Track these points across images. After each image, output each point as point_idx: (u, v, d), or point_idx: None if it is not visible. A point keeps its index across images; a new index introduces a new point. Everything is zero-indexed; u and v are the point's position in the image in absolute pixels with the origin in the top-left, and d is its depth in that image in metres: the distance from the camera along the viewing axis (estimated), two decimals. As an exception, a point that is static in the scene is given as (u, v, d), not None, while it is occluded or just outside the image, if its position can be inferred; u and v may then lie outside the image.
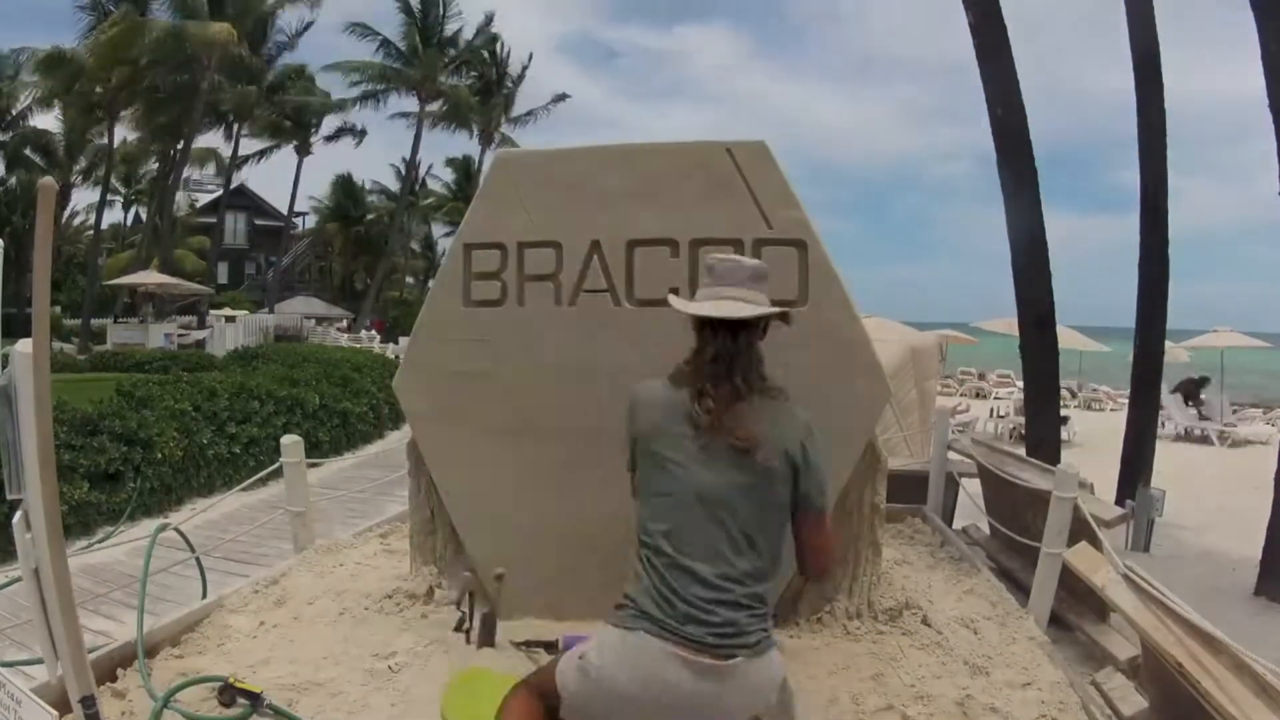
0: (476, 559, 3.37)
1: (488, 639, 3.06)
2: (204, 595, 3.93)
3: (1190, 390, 18.18)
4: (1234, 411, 19.16)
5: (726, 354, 2.03)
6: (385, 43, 31.92)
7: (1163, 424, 14.35)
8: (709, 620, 1.86)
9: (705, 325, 2.10)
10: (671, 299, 2.25)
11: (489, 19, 33.99)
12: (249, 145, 34.30)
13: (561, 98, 36.74)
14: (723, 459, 1.97)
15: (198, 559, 4.37)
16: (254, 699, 2.58)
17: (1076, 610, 4.46)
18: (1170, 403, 16.59)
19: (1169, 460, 10.53)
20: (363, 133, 35.85)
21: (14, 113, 27.88)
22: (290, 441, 4.54)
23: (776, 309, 2.16)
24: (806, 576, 2.43)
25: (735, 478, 1.96)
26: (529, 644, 3.03)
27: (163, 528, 3.73)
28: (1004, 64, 7.46)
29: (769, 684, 1.95)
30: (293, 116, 32.98)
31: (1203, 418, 17.38)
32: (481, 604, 3.19)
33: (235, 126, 31.25)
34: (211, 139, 32.71)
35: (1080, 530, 3.96)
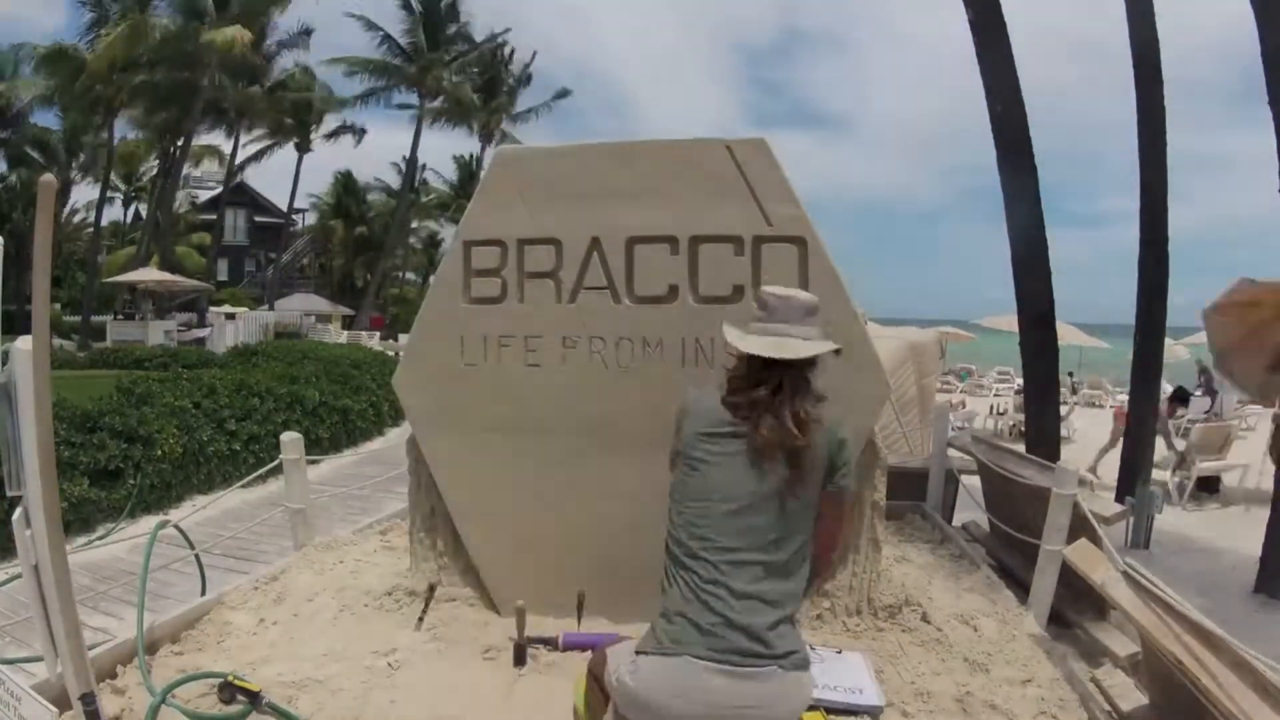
0: (477, 556, 3.38)
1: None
2: (203, 592, 3.93)
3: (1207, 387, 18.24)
4: (1236, 408, 19.12)
5: (786, 388, 2.11)
6: (387, 38, 31.91)
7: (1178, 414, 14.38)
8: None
9: (758, 359, 2.15)
10: (730, 334, 2.26)
11: (498, 33, 34.07)
12: (250, 142, 34.36)
13: (564, 94, 36.77)
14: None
15: (196, 556, 4.37)
16: (253, 697, 2.58)
17: (1076, 607, 4.45)
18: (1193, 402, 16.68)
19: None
20: (362, 131, 35.88)
21: (14, 110, 27.82)
22: (290, 438, 4.54)
23: (831, 346, 2.21)
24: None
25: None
26: (530, 640, 3.04)
27: (163, 525, 3.73)
28: (1003, 61, 7.44)
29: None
30: (293, 114, 32.95)
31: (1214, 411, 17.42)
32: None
33: (235, 124, 31.22)
34: (211, 136, 32.74)
35: (1080, 527, 3.96)
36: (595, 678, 2.15)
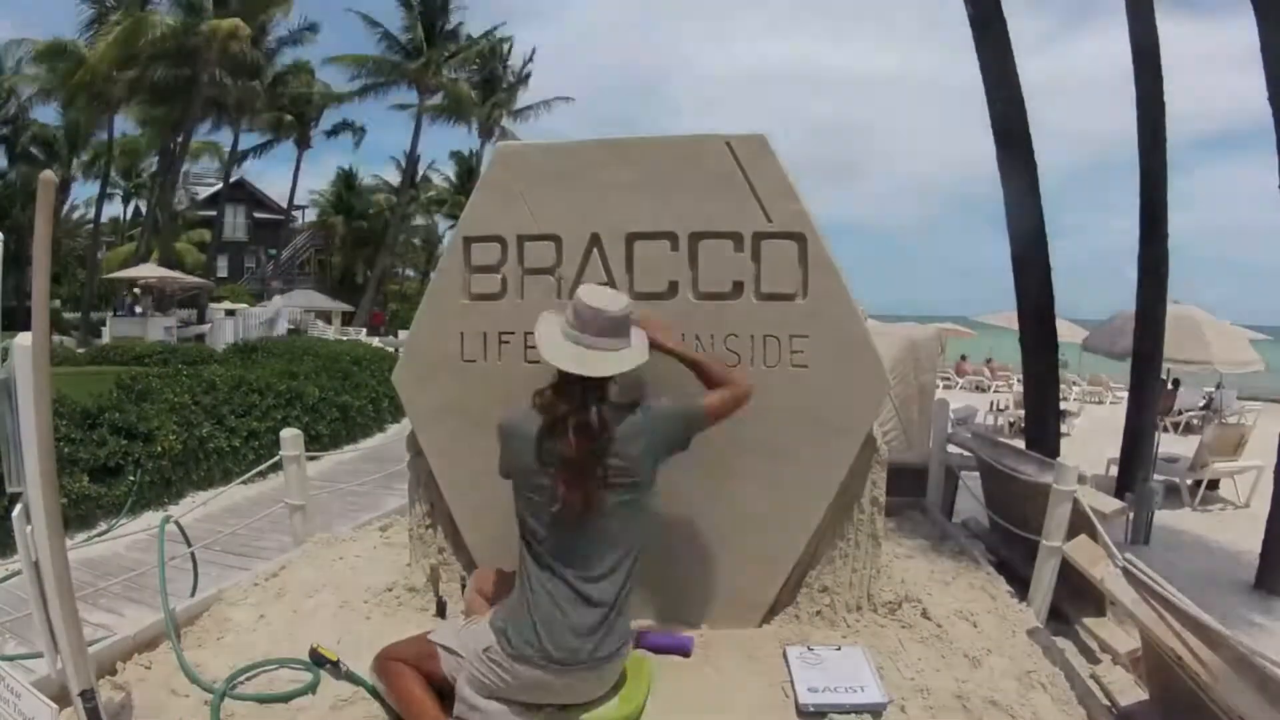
0: (476, 552, 3.38)
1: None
2: (192, 594, 3.92)
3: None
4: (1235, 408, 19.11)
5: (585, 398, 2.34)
6: (386, 35, 31.87)
7: (1179, 412, 14.43)
8: None
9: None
10: (541, 339, 2.49)
11: (496, 27, 34.08)
12: (249, 139, 34.36)
13: (564, 99, 36.65)
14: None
15: (192, 555, 4.37)
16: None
17: (1076, 603, 4.46)
18: (1183, 395, 16.66)
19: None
20: (362, 131, 35.90)
21: (15, 106, 27.80)
22: (290, 435, 4.55)
23: (637, 360, 2.44)
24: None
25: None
26: None
27: (167, 520, 3.74)
28: (1003, 57, 7.43)
29: None
30: (292, 110, 32.93)
31: (1211, 407, 17.42)
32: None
33: (235, 120, 31.19)
34: (211, 132, 32.71)
35: (1080, 523, 3.96)
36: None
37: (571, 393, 2.33)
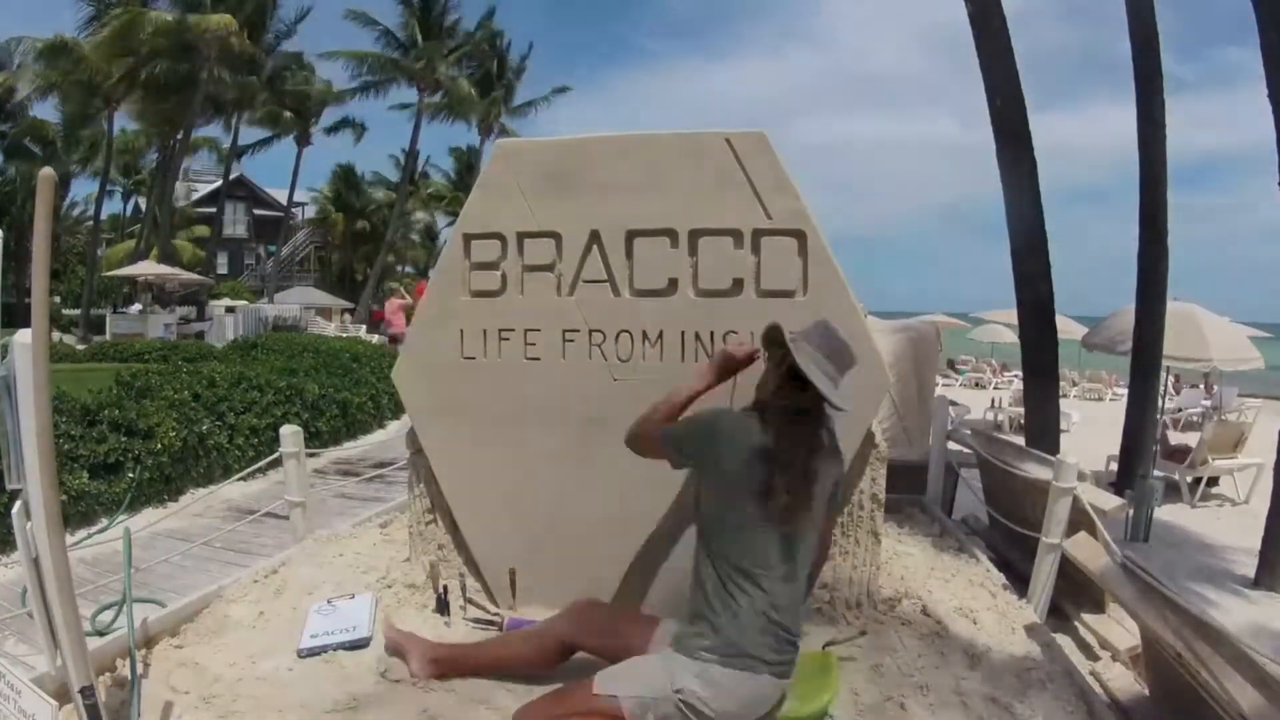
0: (476, 549, 3.38)
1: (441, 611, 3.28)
2: (116, 616, 3.60)
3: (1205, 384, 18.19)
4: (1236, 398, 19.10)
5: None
6: (386, 33, 31.80)
7: (1178, 408, 14.41)
8: None
9: (799, 378, 2.32)
10: (805, 364, 2.33)
11: (490, 12, 34.02)
12: (249, 135, 34.29)
13: (562, 90, 36.59)
14: None
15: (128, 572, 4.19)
16: None
17: (1076, 600, 4.46)
18: (1185, 393, 16.64)
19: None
20: (362, 127, 35.85)
21: (13, 103, 27.75)
22: (289, 431, 4.55)
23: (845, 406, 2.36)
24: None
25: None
26: (476, 621, 3.21)
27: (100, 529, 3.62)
28: (1003, 55, 7.43)
29: None
30: (293, 106, 32.87)
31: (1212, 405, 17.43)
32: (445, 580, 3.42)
33: (235, 117, 31.12)
34: (211, 129, 32.65)
35: (1079, 520, 3.96)
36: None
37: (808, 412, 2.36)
